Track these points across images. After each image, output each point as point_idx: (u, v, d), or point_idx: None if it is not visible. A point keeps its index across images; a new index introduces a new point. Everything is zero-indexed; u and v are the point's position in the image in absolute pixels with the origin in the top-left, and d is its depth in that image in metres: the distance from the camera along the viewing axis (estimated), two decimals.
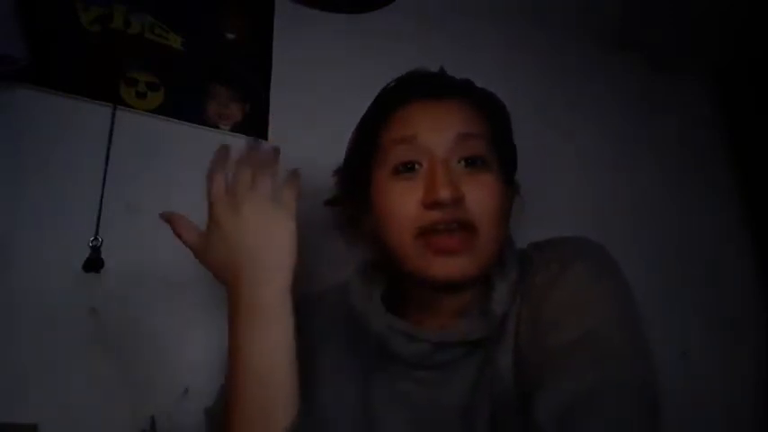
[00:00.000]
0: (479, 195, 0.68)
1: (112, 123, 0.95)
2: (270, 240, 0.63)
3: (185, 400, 0.91)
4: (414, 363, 0.71)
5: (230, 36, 1.09)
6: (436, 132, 0.69)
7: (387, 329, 0.71)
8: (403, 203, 0.68)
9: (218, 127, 1.04)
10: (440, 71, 0.77)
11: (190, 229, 0.68)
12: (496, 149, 0.72)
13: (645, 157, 1.47)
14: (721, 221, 1.52)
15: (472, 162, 0.69)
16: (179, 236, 0.68)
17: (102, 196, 0.92)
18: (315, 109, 1.13)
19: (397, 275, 0.75)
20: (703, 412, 1.27)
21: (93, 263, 0.89)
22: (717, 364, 1.38)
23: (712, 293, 1.43)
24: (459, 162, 0.69)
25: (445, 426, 0.68)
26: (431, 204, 0.66)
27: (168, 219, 0.68)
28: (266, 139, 1.07)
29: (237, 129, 1.05)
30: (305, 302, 0.70)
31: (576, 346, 0.60)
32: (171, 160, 0.99)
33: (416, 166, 0.68)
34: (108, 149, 0.94)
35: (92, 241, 0.90)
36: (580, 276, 0.65)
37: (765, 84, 1.49)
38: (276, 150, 0.68)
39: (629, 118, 1.48)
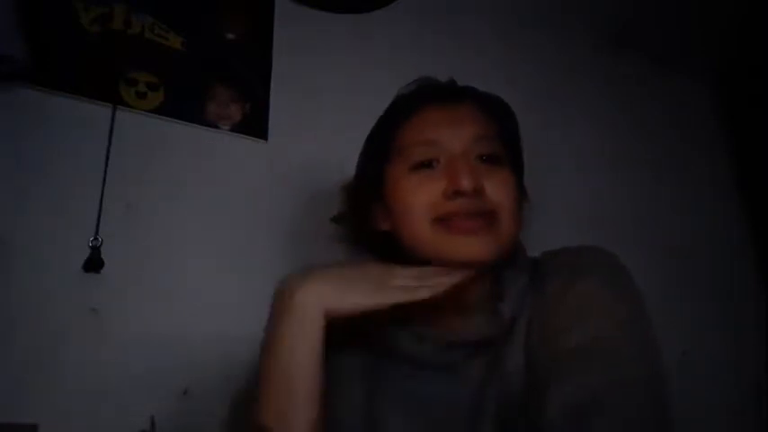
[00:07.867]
0: (498, 188, 0.69)
1: (112, 123, 0.95)
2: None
3: (185, 400, 0.91)
4: (421, 362, 0.71)
5: (230, 36, 1.09)
6: (454, 133, 0.70)
7: (393, 330, 0.71)
8: (421, 192, 0.69)
9: (217, 127, 1.04)
10: (449, 81, 0.78)
11: None
12: (510, 151, 0.73)
13: (644, 156, 1.47)
14: (721, 221, 1.52)
15: (489, 159, 0.70)
16: None
17: (102, 196, 0.92)
18: (315, 109, 1.13)
19: None
20: (703, 412, 1.27)
21: (93, 263, 0.89)
22: (717, 364, 1.38)
23: (712, 293, 1.43)
24: (476, 159, 0.70)
25: (451, 425, 0.69)
26: (453, 194, 0.67)
27: None
28: (266, 139, 1.07)
29: (237, 129, 1.05)
30: None
31: (587, 348, 0.61)
32: (171, 160, 0.99)
33: (435, 163, 0.69)
34: (108, 149, 0.94)
35: (92, 241, 0.90)
36: (592, 282, 0.66)
37: (765, 84, 1.49)
38: None
39: (629, 117, 1.48)
